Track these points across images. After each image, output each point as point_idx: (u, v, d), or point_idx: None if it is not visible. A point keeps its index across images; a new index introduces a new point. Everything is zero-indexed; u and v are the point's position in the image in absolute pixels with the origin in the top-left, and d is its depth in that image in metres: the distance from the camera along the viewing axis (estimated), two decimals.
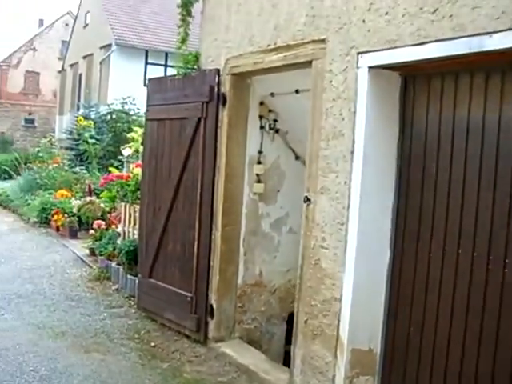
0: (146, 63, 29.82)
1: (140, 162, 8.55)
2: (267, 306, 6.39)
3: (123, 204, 8.89)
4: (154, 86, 6.79)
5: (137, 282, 7.37)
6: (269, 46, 5.31)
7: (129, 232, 8.84)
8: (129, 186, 7.95)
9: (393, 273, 4.42)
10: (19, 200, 15.23)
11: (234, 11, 5.92)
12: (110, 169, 12.49)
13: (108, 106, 18.77)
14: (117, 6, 31.85)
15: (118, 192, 8.72)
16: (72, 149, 20.40)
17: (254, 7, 5.60)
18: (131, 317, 6.94)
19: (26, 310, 7.02)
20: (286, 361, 6.24)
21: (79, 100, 33.10)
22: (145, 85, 27.92)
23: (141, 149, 9.37)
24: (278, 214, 6.35)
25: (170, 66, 30.13)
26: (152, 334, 6.42)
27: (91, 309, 7.21)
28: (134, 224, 8.59)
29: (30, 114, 55.36)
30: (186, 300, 6.13)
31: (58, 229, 12.15)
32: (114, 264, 8.46)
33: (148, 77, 28.48)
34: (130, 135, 9.35)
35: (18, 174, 17.50)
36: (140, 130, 9.35)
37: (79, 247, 10.69)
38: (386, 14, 4.08)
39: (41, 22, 60.35)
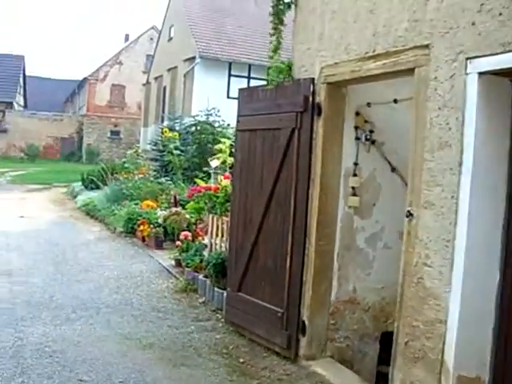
0: (230, 75, 30.10)
1: (228, 173, 8.50)
2: (360, 324, 6.16)
3: (210, 216, 8.86)
4: (245, 97, 6.72)
5: (225, 295, 7.29)
6: (366, 53, 5.13)
7: (216, 244, 8.80)
8: (217, 197, 7.90)
9: (503, 294, 4.13)
10: (106, 210, 15.53)
11: (328, 19, 5.77)
12: (196, 180, 12.55)
13: (193, 117, 18.98)
14: (200, 19, 32.35)
15: (205, 203, 8.70)
16: (157, 160, 20.73)
17: (349, 14, 5.44)
18: (219, 331, 6.85)
19: (114, 320, 7.06)
20: (379, 382, 6.01)
21: (163, 112, 33.77)
22: (228, 97, 28.53)
23: (229, 160, 9.34)
24: (373, 229, 6.12)
25: (253, 78, 30.41)
26: (241, 349, 6.30)
27: (178, 321, 7.17)
28: (222, 236, 8.54)
29: (115, 125, 57.07)
30: (277, 315, 5.98)
31: (143, 239, 12.28)
32: (201, 276, 8.42)
33: (231, 89, 29.19)
34: (217, 146, 9.34)
35: (105, 185, 17.90)
36: (228, 142, 9.34)
37: (165, 258, 10.76)
38: (500, 14, 3.83)
39: (126, 37, 62.16)
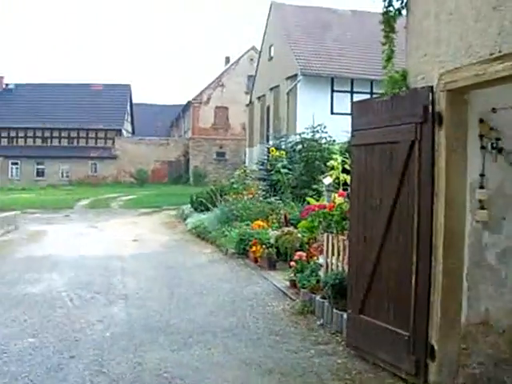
0: (332, 91, 29.90)
1: (342, 190, 8.27)
2: (495, 349, 5.73)
3: (325, 235, 8.64)
4: (359, 110, 6.49)
5: (344, 317, 7.04)
6: (492, 54, 4.77)
7: (332, 264, 8.56)
8: (333, 216, 7.68)
9: None
10: (216, 231, 15.64)
11: (445, 21, 5.45)
12: (307, 199, 12.40)
13: (299, 135, 18.88)
14: (300, 36, 32.43)
15: (320, 222, 8.49)
16: (264, 179, 20.77)
17: (468, 14, 5.10)
18: (340, 355, 6.59)
19: (231, 344, 6.95)
20: None
21: (268, 131, 33.95)
22: (332, 113, 28.29)
23: (341, 177, 9.11)
24: (504, 244, 5.70)
25: (355, 93, 30.08)
26: (364, 375, 6.01)
27: (297, 345, 6.97)
28: (338, 255, 8.30)
29: (220, 147, 58.18)
30: (403, 339, 5.66)
31: (256, 260, 12.22)
32: (318, 297, 8.19)
33: (335, 104, 28.87)
34: (329, 163, 9.13)
35: (214, 206, 18.08)
36: (339, 158, 9.11)
37: (278, 279, 10.62)
38: None
39: (227, 59, 63.39)
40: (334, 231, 7.97)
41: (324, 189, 9.20)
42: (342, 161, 9.07)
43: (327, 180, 9.09)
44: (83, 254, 14.01)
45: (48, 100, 61.40)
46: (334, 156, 9.17)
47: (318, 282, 8.55)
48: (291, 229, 12.23)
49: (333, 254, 8.56)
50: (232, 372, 6.05)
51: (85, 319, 7.92)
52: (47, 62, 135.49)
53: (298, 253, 9.83)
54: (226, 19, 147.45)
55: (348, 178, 9.21)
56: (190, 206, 23.53)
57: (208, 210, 19.25)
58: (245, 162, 42.58)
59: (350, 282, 6.69)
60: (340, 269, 8.16)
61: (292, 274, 9.72)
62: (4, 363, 6.17)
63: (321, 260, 9.25)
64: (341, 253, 8.20)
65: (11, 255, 14.12)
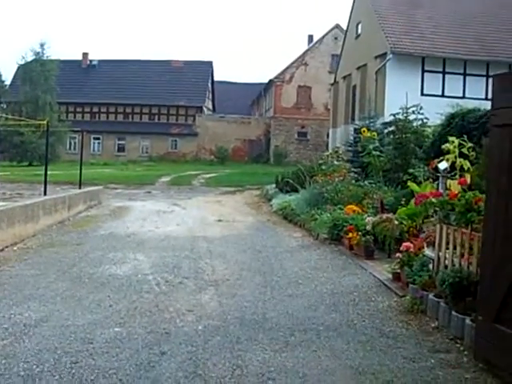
0: (423, 71, 28.46)
1: (464, 178, 7.29)
2: None
3: (439, 225, 7.68)
4: (505, 84, 5.47)
5: (467, 322, 6.12)
6: None
7: (445, 259, 7.59)
8: (454, 205, 6.72)
9: None
10: (305, 214, 14.89)
11: None
12: (410, 184, 11.46)
13: (393, 115, 17.76)
14: (390, 13, 31.03)
15: (435, 212, 7.54)
16: (352, 161, 19.83)
17: None
18: (466, 368, 5.66)
19: (338, 346, 6.15)
20: None
21: (353, 112, 32.82)
22: (422, 94, 26.89)
23: (458, 162, 8.10)
24: None
25: (448, 73, 28.55)
26: None
27: (413, 351, 6.09)
28: (454, 250, 7.32)
29: (302, 127, 57.33)
30: None
31: (351, 247, 11.38)
32: (431, 296, 7.26)
33: (425, 85, 27.53)
34: (444, 146, 8.13)
35: (302, 187, 17.31)
36: (456, 141, 8.10)
37: (378, 270, 9.75)
38: None
39: (310, 38, 62.22)
40: (454, 223, 6.99)
41: (439, 174, 8.20)
42: (460, 144, 8.05)
43: (443, 165, 8.10)
44: (168, 234, 13.55)
45: (130, 76, 62.17)
46: (451, 138, 8.15)
47: (430, 277, 7.63)
48: (390, 215, 11.29)
49: (447, 248, 7.59)
50: (344, 381, 5.25)
51: (174, 308, 7.29)
52: (129, 39, 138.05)
53: (406, 243, 8.88)
54: None
55: (465, 163, 8.21)
56: (274, 186, 22.96)
57: (294, 190, 18.56)
58: (328, 143, 41.62)
59: (483, 285, 5.73)
60: (456, 265, 7.20)
61: (396, 266, 8.81)
62: (90, 355, 5.59)
63: (428, 253, 8.31)
64: (458, 247, 7.23)
65: (94, 231, 13.80)
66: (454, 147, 8.15)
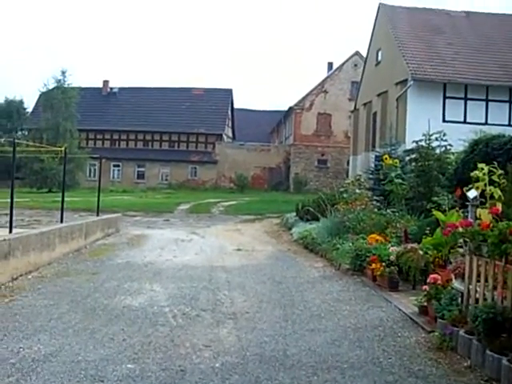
0: (445, 97, 28.15)
1: (497, 206, 6.92)
2: None
3: (469, 257, 7.29)
4: None
5: (504, 362, 5.71)
6: None
7: (476, 292, 7.18)
8: (487, 236, 6.35)
9: None
10: (327, 243, 14.58)
11: None
12: (435, 213, 11.10)
13: (416, 142, 17.45)
14: (410, 39, 30.90)
15: (465, 242, 7.16)
16: (374, 189, 19.49)
17: None
18: None
19: None
20: None
21: (374, 139, 32.53)
22: (444, 120, 26.56)
23: (488, 190, 7.73)
24: None
25: (470, 99, 28.20)
26: None
27: None
28: (486, 283, 6.93)
29: (322, 154, 57.10)
30: None
31: (374, 278, 11.00)
32: (461, 332, 6.85)
33: (447, 112, 27.26)
34: (473, 174, 7.79)
35: (323, 216, 16.99)
36: (486, 168, 7.74)
37: (404, 302, 9.35)
38: None
39: (330, 65, 62.35)
40: (486, 255, 6.61)
41: (469, 203, 7.84)
42: (490, 170, 7.70)
43: (472, 193, 7.73)
44: (186, 263, 13.29)
45: (150, 104, 62.48)
46: (479, 165, 7.81)
47: (459, 312, 7.23)
48: (415, 245, 10.91)
49: (478, 281, 7.19)
50: None
51: (190, 342, 6.94)
52: (149, 66, 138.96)
53: (433, 275, 8.50)
54: (329, 24, 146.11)
55: (496, 191, 7.82)
56: (294, 214, 22.69)
57: (315, 219, 18.23)
58: (348, 171, 41.29)
59: None
60: (489, 300, 6.80)
61: (423, 299, 8.42)
62: None
63: (457, 285, 7.91)
64: (490, 280, 6.83)
65: (111, 260, 13.56)
66: (484, 174, 7.79)
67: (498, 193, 7.67)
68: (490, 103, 27.99)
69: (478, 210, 7.51)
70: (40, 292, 9.63)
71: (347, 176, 39.71)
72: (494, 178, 7.87)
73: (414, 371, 6.27)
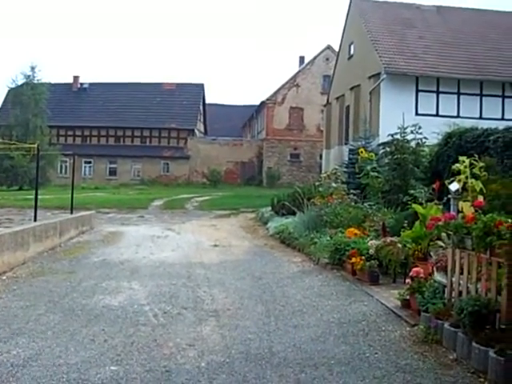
0: (417, 90, 28.25)
1: (480, 199, 6.91)
2: None
3: (451, 250, 7.28)
4: None
5: (491, 354, 5.69)
6: None
7: (459, 285, 7.17)
8: (471, 229, 6.31)
9: None
10: (304, 238, 14.52)
11: None
12: (415, 206, 11.12)
13: (391, 135, 17.46)
14: (382, 33, 30.97)
15: (448, 236, 7.12)
16: (349, 183, 19.48)
17: None
18: None
19: (353, 383, 5.69)
20: None
21: (347, 133, 32.56)
22: (416, 113, 26.67)
23: (470, 183, 7.73)
24: None
25: (442, 93, 28.36)
26: None
27: None
28: (469, 276, 6.91)
29: (295, 148, 57.16)
30: None
31: (354, 272, 10.97)
32: (446, 325, 6.83)
33: (420, 105, 27.40)
34: (454, 166, 7.76)
35: (300, 210, 16.93)
36: (467, 161, 7.72)
37: (385, 296, 9.32)
38: None
39: (301, 59, 62.36)
40: (470, 248, 6.58)
41: (451, 196, 7.81)
42: (471, 163, 7.68)
43: (454, 186, 7.71)
44: (163, 260, 13.13)
45: (121, 99, 61.94)
46: (461, 158, 7.77)
47: (444, 305, 7.22)
48: (395, 239, 10.90)
49: (461, 274, 7.18)
50: None
51: (173, 342, 6.81)
52: (120, 61, 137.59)
53: (416, 268, 8.49)
54: (301, 18, 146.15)
55: (477, 184, 7.82)
56: (270, 208, 22.63)
57: (291, 213, 18.19)
58: (321, 165, 41.36)
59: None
60: (472, 292, 6.79)
61: (406, 293, 8.39)
62: None
63: (439, 278, 7.91)
64: (473, 273, 6.82)
65: (87, 259, 13.33)
66: (465, 167, 7.77)
67: (479, 185, 7.68)
68: (461, 96, 28.17)
69: (460, 203, 7.51)
70: (15, 293, 9.39)
71: (320, 170, 39.78)
72: (476, 170, 7.88)
73: (401, 365, 6.22)
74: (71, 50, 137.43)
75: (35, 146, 17.64)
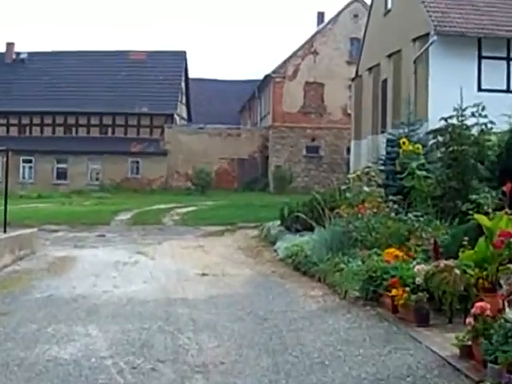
0: (480, 57, 28.30)
1: None
2: None
3: None
4: None
5: None
6: None
7: None
8: None
9: None
10: (326, 263, 14.62)
11: None
12: (477, 217, 11.15)
13: (444, 120, 17.47)
14: None
15: None
16: (388, 186, 19.54)
17: None
18: None
19: None
20: None
21: (385, 117, 32.69)
22: (479, 89, 26.76)
23: None
24: None
25: None
26: None
27: None
28: None
29: (313, 139, 57.33)
30: None
31: (395, 309, 11.04)
32: None
33: (483, 76, 27.48)
34: None
35: (320, 225, 17.02)
36: None
37: (438, 342, 9.37)
38: None
39: (320, 17, 62.65)
40: None
41: None
42: None
43: None
44: (132, 296, 13.24)
45: (72, 74, 62.20)
46: None
47: None
48: (450, 262, 10.93)
49: None
50: None
51: None
52: (71, 24, 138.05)
53: (479, 303, 8.51)
54: None
55: None
56: (278, 222, 22.79)
57: (308, 229, 18.42)
58: (349, 162, 41.45)
59: None
60: None
61: (466, 337, 8.43)
62: None
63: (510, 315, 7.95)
64: None
65: (27, 294, 13.44)
66: None
67: None
68: None
69: None
70: None
71: (348, 169, 39.93)
72: None
73: None
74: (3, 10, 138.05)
75: None
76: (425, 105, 27.00)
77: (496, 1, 29.77)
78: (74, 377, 7.93)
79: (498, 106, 17.86)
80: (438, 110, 19.93)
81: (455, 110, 17.58)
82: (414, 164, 17.28)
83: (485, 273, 10.26)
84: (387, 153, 23.00)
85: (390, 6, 34.31)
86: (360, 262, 13.18)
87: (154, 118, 61.59)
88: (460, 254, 11.08)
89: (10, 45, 66.53)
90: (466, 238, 11.62)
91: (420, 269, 11.22)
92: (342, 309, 11.99)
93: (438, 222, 14.88)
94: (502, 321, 8.07)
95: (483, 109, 17.65)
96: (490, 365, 7.55)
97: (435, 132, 19.54)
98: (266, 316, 11.39)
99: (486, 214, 12.02)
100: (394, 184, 19.21)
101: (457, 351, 8.68)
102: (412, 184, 16.93)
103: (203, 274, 16.00)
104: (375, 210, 16.00)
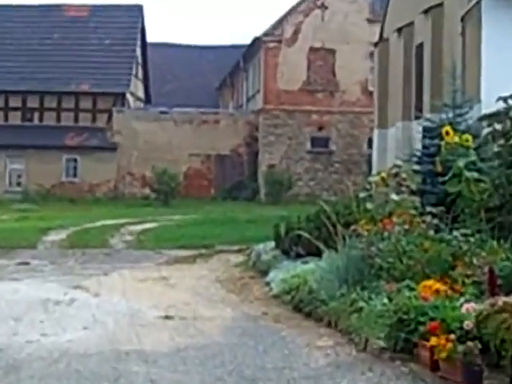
0: None
1: None
2: None
3: None
4: None
5: None
6: None
7: None
8: None
9: None
10: (338, 301, 14.63)
11: None
12: None
13: (504, 101, 17.57)
14: None
15: None
16: (425, 192, 19.64)
17: None
18: None
19: None
20: None
21: (420, 96, 32.81)
22: None
23: None
24: None
25: None
26: None
27: None
28: None
29: (320, 128, 57.42)
30: None
31: (435, 365, 11.05)
32: None
33: None
34: None
35: (330, 247, 17.05)
36: None
37: None
38: None
39: None
40: None
41: None
42: None
43: None
44: (66, 348, 13.21)
45: None
46: None
47: None
48: (510, 299, 11.02)
49: None
50: None
51: None
52: None
53: None
54: None
55: None
56: (273, 245, 22.78)
57: (313, 253, 18.44)
58: (370, 159, 41.52)
59: None
60: None
61: None
62: None
63: None
64: None
65: None
66: None
67: None
68: None
69: None
70: None
71: (370, 168, 40.03)
72: None
73: None
74: None
75: None
76: (476, 80, 27.11)
77: None
78: None
79: None
80: (495, 87, 20.15)
81: None
82: (462, 162, 17.33)
83: None
84: (424, 147, 23.14)
85: None
86: (386, 300, 13.20)
87: (99, 98, 61.67)
88: None
89: None
90: None
91: (470, 309, 11.28)
92: (362, 364, 12.01)
93: (494, 243, 14.92)
94: None
95: None
96: None
97: (491, 117, 19.65)
98: (254, 375, 11.39)
99: None
100: (433, 190, 19.33)
101: None
102: (458, 190, 16.98)
103: (167, 317, 16.00)
104: (407, 227, 16.05)
